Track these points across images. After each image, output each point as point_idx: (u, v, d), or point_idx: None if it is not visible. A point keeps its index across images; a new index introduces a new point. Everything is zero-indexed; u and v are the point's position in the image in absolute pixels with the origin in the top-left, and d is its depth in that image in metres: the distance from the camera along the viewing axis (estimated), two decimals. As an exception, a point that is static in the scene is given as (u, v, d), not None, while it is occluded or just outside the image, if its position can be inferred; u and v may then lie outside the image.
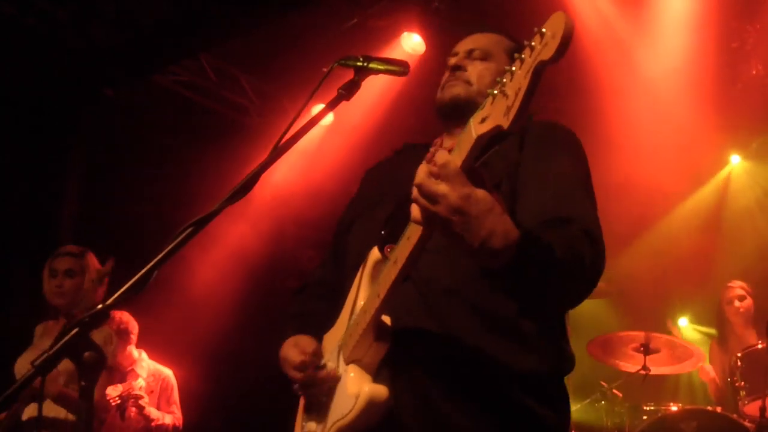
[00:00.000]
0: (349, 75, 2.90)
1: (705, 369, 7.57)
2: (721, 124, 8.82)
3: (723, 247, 9.12)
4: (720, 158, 9.64)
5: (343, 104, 2.86)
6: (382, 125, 9.42)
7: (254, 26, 8.29)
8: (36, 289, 6.18)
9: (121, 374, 7.51)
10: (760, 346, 6.67)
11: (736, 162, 9.61)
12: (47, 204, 8.38)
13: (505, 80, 2.04)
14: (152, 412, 7.48)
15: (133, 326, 7.70)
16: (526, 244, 2.20)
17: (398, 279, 2.45)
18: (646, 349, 7.03)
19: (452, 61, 3.11)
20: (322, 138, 9.74)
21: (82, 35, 7.88)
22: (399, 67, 2.92)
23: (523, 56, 2.00)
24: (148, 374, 7.75)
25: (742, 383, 6.65)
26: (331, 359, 2.83)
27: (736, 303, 7.59)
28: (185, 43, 8.39)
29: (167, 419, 7.62)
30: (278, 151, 2.69)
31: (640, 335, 7.06)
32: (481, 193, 2.13)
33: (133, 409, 7.29)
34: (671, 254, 9.06)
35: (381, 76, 2.94)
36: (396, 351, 2.63)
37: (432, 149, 3.10)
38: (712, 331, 8.19)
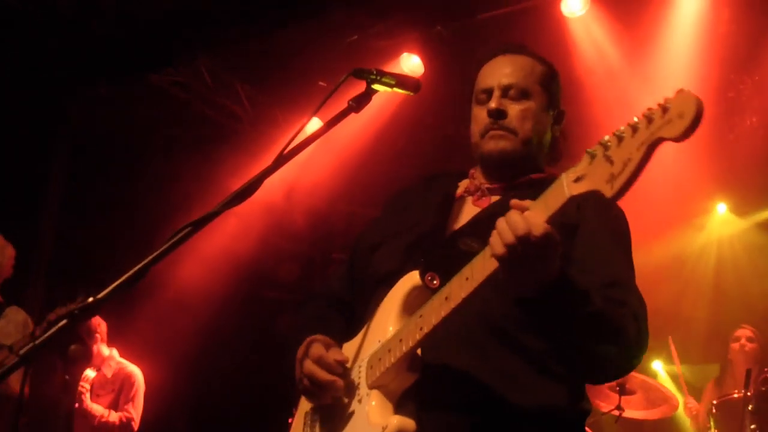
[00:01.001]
0: (358, 88, 2.88)
1: (690, 405, 7.57)
2: (712, 171, 8.86)
3: (713, 294, 9.14)
4: (707, 205, 9.68)
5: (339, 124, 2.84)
6: (373, 143, 9.41)
7: (255, 35, 8.29)
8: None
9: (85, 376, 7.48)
10: (736, 396, 6.66)
11: (722, 211, 9.65)
12: (29, 197, 8.29)
13: (610, 143, 1.98)
14: (93, 408, 7.40)
15: (100, 326, 7.65)
16: (564, 282, 2.30)
17: (448, 317, 2.38)
18: (622, 389, 7.01)
19: (492, 104, 2.88)
20: (311, 151, 9.69)
21: (81, 28, 7.82)
22: (411, 85, 2.90)
23: (637, 126, 1.94)
24: (113, 372, 7.70)
25: (715, 431, 6.65)
26: (350, 371, 2.73)
27: (743, 341, 7.65)
28: (184, 44, 8.35)
29: (113, 417, 7.55)
30: (282, 159, 2.69)
31: (617, 373, 7.02)
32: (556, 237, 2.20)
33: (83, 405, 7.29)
34: (654, 294, 9.05)
35: (382, 93, 2.90)
36: (425, 387, 2.56)
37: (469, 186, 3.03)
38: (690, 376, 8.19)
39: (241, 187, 2.55)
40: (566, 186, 2.09)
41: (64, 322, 2.19)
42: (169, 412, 8.84)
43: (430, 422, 2.51)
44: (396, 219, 3.10)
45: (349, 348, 2.82)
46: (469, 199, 2.96)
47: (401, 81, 2.89)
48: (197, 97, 9.32)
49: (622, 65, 8.10)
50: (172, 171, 9.08)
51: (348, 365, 2.71)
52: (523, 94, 2.91)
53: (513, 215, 2.17)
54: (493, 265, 2.24)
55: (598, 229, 2.71)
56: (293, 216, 10.52)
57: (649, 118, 1.91)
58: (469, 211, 2.90)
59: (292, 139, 2.71)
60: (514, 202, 2.22)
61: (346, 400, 2.67)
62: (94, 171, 8.59)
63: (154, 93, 8.94)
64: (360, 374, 2.66)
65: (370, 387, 2.59)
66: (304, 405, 2.90)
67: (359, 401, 2.62)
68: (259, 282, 10.45)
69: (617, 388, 7.01)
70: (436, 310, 2.39)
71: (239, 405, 9.41)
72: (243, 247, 9.82)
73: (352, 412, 2.64)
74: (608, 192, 1.96)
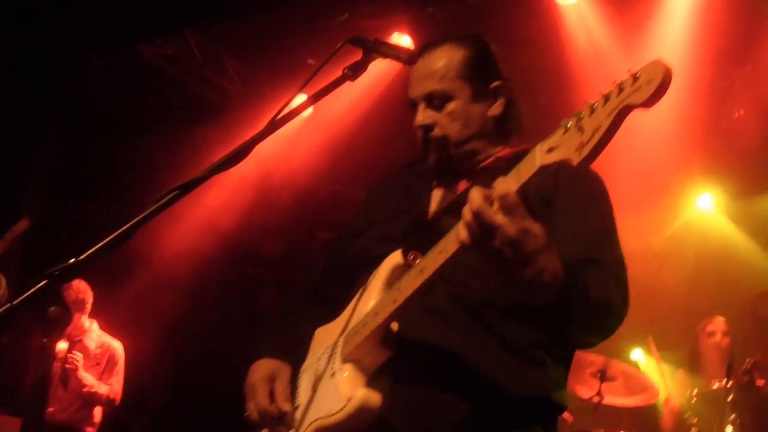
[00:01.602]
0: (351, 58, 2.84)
1: (669, 400, 7.55)
2: (699, 161, 8.86)
3: (691, 283, 9.14)
4: (693, 196, 9.68)
5: (325, 99, 2.80)
6: (361, 123, 9.37)
7: (246, 10, 8.21)
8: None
9: (71, 343, 7.45)
10: (716, 386, 6.66)
11: (708, 201, 9.65)
12: (16, 166, 8.21)
13: (583, 115, 1.99)
14: (86, 377, 7.44)
15: (89, 296, 7.64)
16: (569, 285, 2.24)
17: (421, 288, 2.40)
18: (603, 376, 7.00)
19: (418, 119, 2.93)
20: (299, 128, 9.66)
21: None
22: (407, 55, 2.86)
23: (609, 95, 1.94)
24: (96, 345, 7.70)
25: (695, 420, 6.65)
26: (325, 353, 2.77)
27: (718, 337, 7.57)
28: (174, 17, 8.27)
29: (102, 389, 7.60)
30: (274, 125, 2.64)
31: (599, 360, 7.02)
32: (537, 228, 2.14)
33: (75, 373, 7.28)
34: (643, 284, 9.06)
35: (375, 69, 2.88)
36: (399, 362, 2.57)
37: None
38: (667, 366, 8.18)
39: (231, 151, 2.50)
40: (538, 156, 2.09)
41: (43, 282, 2.13)
42: (146, 387, 8.81)
43: (405, 396, 2.54)
44: (378, 207, 3.16)
45: (329, 329, 2.88)
46: (445, 189, 3.00)
47: (397, 51, 2.86)
48: (186, 70, 9.26)
49: (614, 53, 8.06)
50: (159, 143, 9.02)
51: (289, 410, 2.81)
52: (445, 98, 2.92)
53: (478, 188, 2.16)
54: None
55: (572, 197, 2.74)
56: (279, 192, 10.48)
57: (620, 88, 1.92)
58: (448, 195, 2.94)
59: (285, 105, 2.65)
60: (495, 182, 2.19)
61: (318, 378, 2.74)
62: (82, 141, 8.54)
63: (143, 64, 8.86)
64: (335, 351, 2.70)
65: (344, 360, 2.62)
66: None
67: (332, 375, 2.65)
68: (243, 258, 10.43)
69: (598, 375, 7.01)
70: (411, 282, 2.42)
71: (218, 382, 9.36)
72: (227, 223, 9.79)
73: (325, 385, 2.68)
74: (576, 159, 1.96)
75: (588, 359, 7.11)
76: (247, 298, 9.62)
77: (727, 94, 8.59)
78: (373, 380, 2.56)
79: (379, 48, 2.79)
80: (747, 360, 6.73)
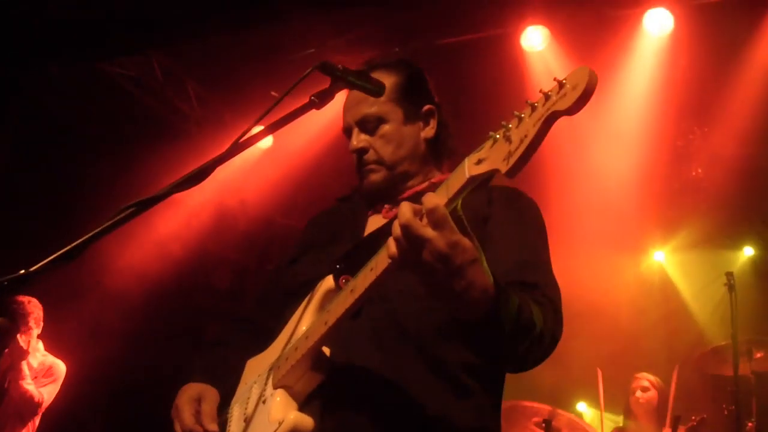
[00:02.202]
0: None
1: None
2: (654, 217, 8.94)
3: (640, 335, 9.20)
4: (648, 250, 9.77)
5: (286, 131, 2.78)
6: (319, 160, 9.35)
7: (212, 34, 8.14)
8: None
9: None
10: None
11: (660, 257, 9.75)
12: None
13: (510, 125, 1.97)
14: (28, 376, 7.28)
15: (38, 314, 7.50)
16: (500, 303, 2.17)
17: (351, 309, 2.36)
18: (548, 426, 6.95)
19: (353, 143, 2.99)
20: (255, 161, 9.62)
21: (40, 7, 7.63)
22: (375, 86, 2.83)
23: (536, 104, 1.93)
24: (39, 364, 7.54)
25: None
26: (257, 382, 2.72)
27: (638, 393, 7.60)
28: (138, 36, 8.18)
29: (31, 387, 7.38)
30: (237, 147, 2.58)
31: (545, 409, 6.99)
32: (467, 242, 2.07)
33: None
34: (591, 335, 9.10)
35: (333, 107, 2.87)
36: (331, 387, 2.53)
37: (376, 206, 3.05)
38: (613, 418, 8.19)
39: (191, 171, 2.43)
40: (467, 168, 2.08)
41: (-9, 292, 2.05)
42: (87, 408, 8.64)
43: (333, 422, 2.49)
44: (314, 235, 3.19)
45: (261, 359, 2.84)
46: (378, 215, 3.01)
47: (366, 81, 2.82)
48: (146, 90, 9.16)
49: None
50: (114, 161, 8.90)
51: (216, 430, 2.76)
52: (377, 121, 2.99)
53: (407, 203, 2.11)
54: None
55: (506, 218, 2.76)
56: (232, 222, 10.40)
57: (546, 96, 1.91)
58: (380, 223, 2.92)
59: (249, 128, 2.61)
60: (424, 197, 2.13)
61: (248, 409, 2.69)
62: (36, 151, 8.39)
63: (104, 81, 8.75)
64: (268, 378, 2.65)
65: (275, 386, 2.57)
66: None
67: (263, 402, 2.60)
68: (193, 287, 10.30)
69: (543, 425, 6.96)
70: (342, 303, 2.39)
71: (155, 410, 9.22)
72: (179, 249, 9.67)
73: (257, 413, 2.63)
74: (503, 168, 1.95)
75: (534, 408, 7.08)
76: (194, 329, 9.47)
77: (685, 151, 8.68)
78: (305, 406, 2.52)
79: (347, 77, 2.76)
80: (692, 417, 6.78)
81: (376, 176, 2.95)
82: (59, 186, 8.55)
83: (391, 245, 2.12)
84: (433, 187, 2.80)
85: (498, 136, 2.00)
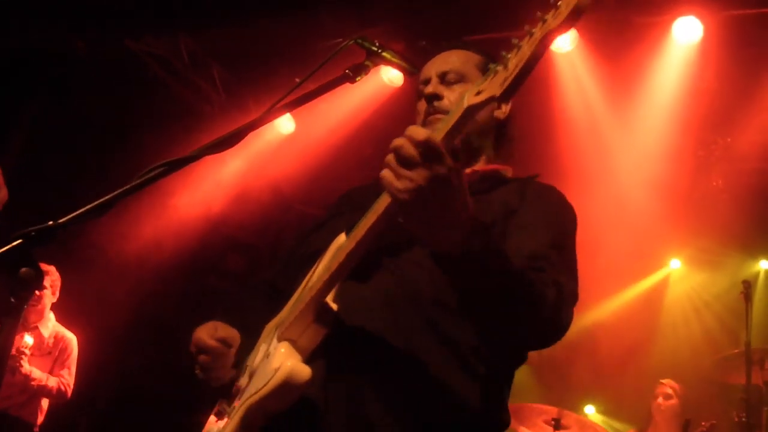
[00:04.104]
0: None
1: None
2: (672, 225, 8.91)
3: (653, 344, 9.19)
4: (664, 258, 9.75)
5: (308, 118, 2.77)
6: (341, 149, 9.34)
7: (240, 20, 8.17)
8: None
9: (26, 329, 7.34)
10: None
11: (676, 266, 9.72)
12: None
13: (509, 55, 1.96)
14: (33, 371, 7.28)
15: (56, 283, 7.53)
16: (486, 233, 2.15)
17: (354, 253, 2.32)
18: (557, 424, 6.94)
19: (428, 89, 2.95)
20: (277, 146, 9.62)
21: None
22: (410, 65, 2.84)
23: (533, 30, 1.93)
24: (50, 335, 7.57)
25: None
26: (265, 341, 2.68)
27: (660, 400, 7.62)
28: (167, 17, 8.21)
29: (51, 381, 7.43)
30: (271, 113, 2.59)
31: (553, 410, 6.98)
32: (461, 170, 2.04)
33: (18, 366, 7.11)
34: (602, 341, 9.09)
35: (360, 91, 2.86)
36: (336, 349, 2.47)
37: None
38: (619, 425, 8.19)
39: (223, 135, 2.43)
40: (466, 99, 2.07)
41: (18, 241, 2.05)
42: (94, 383, 8.66)
43: (338, 390, 2.44)
44: (339, 207, 3.14)
45: (273, 323, 2.78)
46: None
47: (402, 60, 2.84)
48: (171, 72, 9.16)
49: (602, 106, 8.11)
50: (135, 140, 8.91)
51: (231, 342, 2.78)
52: (460, 77, 2.97)
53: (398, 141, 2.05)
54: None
55: (531, 212, 2.70)
56: (249, 207, 10.40)
57: (542, 20, 1.92)
58: None
59: (284, 96, 2.61)
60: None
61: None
62: (59, 129, 8.42)
63: (130, 60, 8.76)
64: (275, 334, 2.60)
65: (279, 340, 2.51)
66: None
67: (267, 356, 2.54)
68: (207, 267, 10.32)
69: (552, 422, 6.95)
70: (344, 249, 2.36)
71: (163, 387, 9.25)
72: (195, 230, 9.69)
73: (260, 367, 2.57)
74: (498, 92, 1.94)
75: (541, 409, 7.07)
76: (207, 309, 9.50)
77: (706, 161, 8.65)
78: (308, 363, 2.43)
79: (384, 52, 2.76)
80: (702, 423, 6.77)
81: None
82: (79, 165, 8.58)
83: (386, 175, 2.05)
84: (474, 176, 2.85)
85: (498, 68, 1.99)
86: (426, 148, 1.98)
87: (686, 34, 7.49)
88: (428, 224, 2.06)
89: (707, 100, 7.88)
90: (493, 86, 1.98)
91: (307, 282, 2.66)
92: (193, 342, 2.81)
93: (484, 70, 2.89)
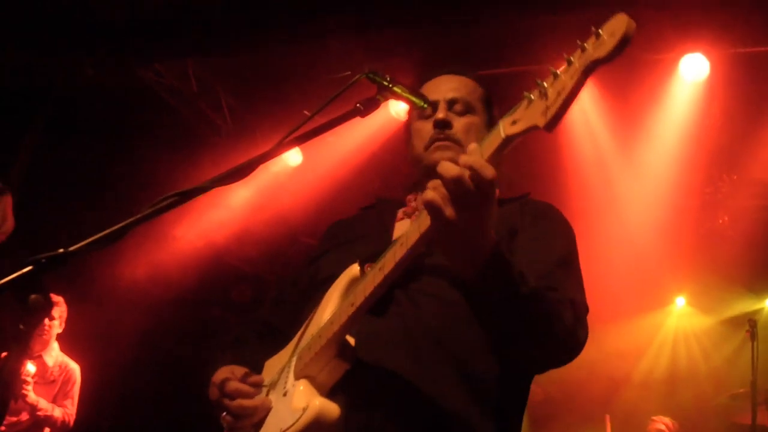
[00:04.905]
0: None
1: None
2: (678, 262, 8.90)
3: (655, 381, 9.15)
4: (668, 296, 9.72)
5: (316, 150, 2.79)
6: (347, 181, 9.35)
7: (250, 48, 8.20)
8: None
9: (30, 357, 7.32)
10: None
11: (681, 303, 9.70)
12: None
13: (545, 83, 1.93)
14: (39, 401, 7.24)
15: (64, 314, 7.54)
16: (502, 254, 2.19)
17: (381, 287, 2.28)
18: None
19: (439, 115, 2.92)
20: (284, 178, 9.64)
21: (74, 7, 7.70)
22: (420, 99, 2.84)
23: (571, 58, 1.89)
24: (55, 363, 7.54)
25: None
26: (275, 378, 2.63)
27: None
28: (177, 44, 8.24)
29: (56, 412, 7.38)
30: (282, 146, 2.59)
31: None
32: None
33: (23, 394, 7.08)
34: (607, 378, 9.05)
35: (368, 124, 2.86)
36: (356, 385, 2.44)
37: (405, 209, 3.00)
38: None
39: (234, 167, 2.42)
40: (502, 129, 2.03)
41: (29, 267, 2.05)
42: (96, 413, 8.62)
43: (356, 419, 2.40)
44: (336, 238, 3.10)
45: (278, 358, 2.76)
46: (408, 220, 2.94)
47: (412, 93, 2.83)
48: (180, 99, 9.18)
49: (608, 141, 8.13)
50: (141, 167, 8.93)
51: (264, 382, 2.68)
52: (467, 109, 2.97)
53: (447, 162, 2.08)
54: (426, 223, 2.14)
55: (534, 231, 2.70)
56: (256, 239, 10.40)
57: (582, 48, 1.87)
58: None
59: (295, 128, 2.61)
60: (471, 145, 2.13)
61: (263, 416, 2.57)
62: (65, 152, 8.43)
63: (138, 86, 8.79)
64: (287, 372, 2.56)
65: (297, 377, 2.47)
66: None
67: (284, 394, 2.50)
68: (212, 298, 10.31)
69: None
70: (371, 281, 2.31)
71: (166, 418, 9.22)
72: (199, 259, 9.68)
73: (276, 407, 2.53)
74: (541, 122, 1.90)
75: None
76: (210, 340, 9.46)
77: (713, 198, 8.65)
78: (329, 397, 2.40)
79: (395, 87, 2.76)
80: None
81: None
82: (87, 188, 8.58)
83: (434, 197, 2.07)
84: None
85: (533, 96, 1.96)
86: (484, 181, 2.02)
87: (693, 71, 7.52)
88: (465, 248, 2.13)
89: (714, 137, 7.90)
90: (532, 116, 1.94)
91: (319, 315, 2.61)
92: (215, 387, 2.70)
93: (486, 104, 2.99)
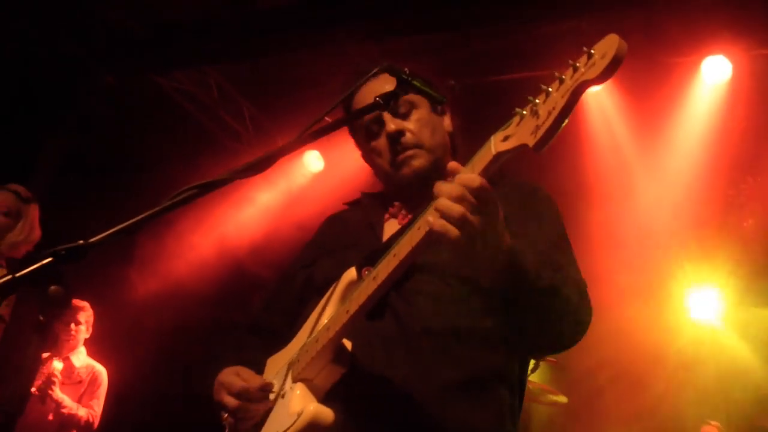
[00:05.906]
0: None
1: None
2: (706, 266, 8.84)
3: (688, 387, 9.07)
4: (698, 301, 9.61)
5: (337, 156, 2.79)
6: (367, 188, 9.30)
7: (272, 58, 8.23)
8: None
9: (58, 356, 7.39)
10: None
11: (713, 307, 9.58)
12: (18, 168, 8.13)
13: (537, 100, 1.94)
14: (65, 399, 7.29)
15: (90, 319, 7.61)
16: (521, 252, 2.23)
17: (374, 296, 2.31)
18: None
19: (390, 127, 2.87)
20: (306, 184, 9.65)
21: (94, 16, 7.75)
22: (439, 94, 2.83)
23: (563, 77, 1.90)
24: (82, 365, 7.60)
25: None
26: (276, 378, 2.65)
27: None
28: (197, 52, 8.28)
29: (81, 411, 7.43)
30: (302, 140, 2.60)
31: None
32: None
33: (49, 392, 7.13)
34: (628, 385, 8.97)
35: None
36: (354, 386, 2.47)
37: (392, 210, 3.00)
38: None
39: (255, 159, 2.43)
40: (493, 145, 2.05)
41: (48, 259, 2.05)
42: (120, 417, 8.64)
43: (352, 424, 2.42)
44: (329, 239, 3.11)
45: (281, 356, 2.78)
46: (394, 220, 2.94)
47: (431, 88, 2.83)
48: (200, 107, 9.22)
49: (630, 145, 8.10)
50: (163, 175, 8.95)
51: (269, 382, 2.67)
52: (411, 106, 2.93)
53: (442, 183, 2.10)
54: (419, 235, 2.16)
55: (523, 216, 2.65)
56: (276, 246, 10.40)
57: (574, 68, 1.88)
58: (397, 228, 2.86)
59: (316, 121, 2.62)
60: (450, 165, 2.14)
61: (265, 416, 2.61)
62: (86, 163, 8.47)
63: (159, 95, 8.84)
64: (288, 373, 2.59)
65: (295, 380, 2.51)
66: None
67: (282, 396, 2.54)
68: (230, 304, 10.31)
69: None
70: (364, 290, 2.34)
71: (188, 422, 9.22)
72: (220, 268, 9.69)
73: (276, 407, 2.56)
74: (531, 141, 1.91)
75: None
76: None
77: (736, 201, 8.58)
78: (325, 402, 2.44)
79: (414, 80, 2.75)
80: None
81: (420, 161, 2.84)
82: (108, 196, 8.61)
83: (435, 218, 2.08)
84: None
85: (525, 112, 1.96)
86: (482, 193, 2.05)
87: (715, 73, 7.48)
88: (475, 258, 2.15)
89: (737, 140, 7.84)
90: (523, 134, 1.95)
91: (318, 318, 2.65)
92: (221, 387, 2.71)
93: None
